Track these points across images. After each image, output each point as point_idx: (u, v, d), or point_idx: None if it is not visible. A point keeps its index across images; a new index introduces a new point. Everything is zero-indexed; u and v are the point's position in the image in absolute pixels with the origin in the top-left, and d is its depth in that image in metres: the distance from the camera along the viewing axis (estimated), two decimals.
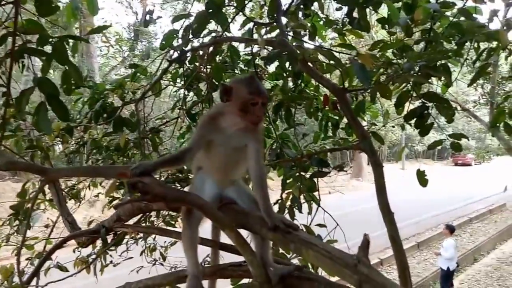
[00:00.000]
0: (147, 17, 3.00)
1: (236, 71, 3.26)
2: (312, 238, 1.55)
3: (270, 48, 2.75)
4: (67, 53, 2.18)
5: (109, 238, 2.77)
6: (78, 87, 3.12)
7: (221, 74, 2.88)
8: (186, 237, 1.80)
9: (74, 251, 3.12)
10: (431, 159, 41.03)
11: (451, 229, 10.87)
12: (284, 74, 3.14)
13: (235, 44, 3.19)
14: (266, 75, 3.27)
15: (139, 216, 2.89)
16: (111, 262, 3.29)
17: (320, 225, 2.73)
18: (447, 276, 10.15)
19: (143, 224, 3.14)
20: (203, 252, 2.05)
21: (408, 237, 14.77)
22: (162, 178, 3.01)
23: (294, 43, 2.77)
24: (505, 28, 2.74)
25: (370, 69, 2.61)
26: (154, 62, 3.66)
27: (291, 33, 2.76)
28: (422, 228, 15.80)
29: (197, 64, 2.93)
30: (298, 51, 2.19)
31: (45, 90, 1.82)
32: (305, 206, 3.01)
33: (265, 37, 2.90)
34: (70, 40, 2.20)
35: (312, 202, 3.02)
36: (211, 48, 3.01)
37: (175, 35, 2.91)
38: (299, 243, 1.49)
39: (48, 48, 1.92)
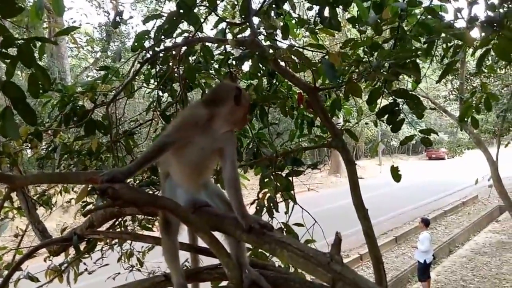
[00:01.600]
0: (117, 18, 2.93)
1: (210, 71, 3.24)
2: (286, 238, 1.56)
3: (244, 48, 2.75)
4: (34, 55, 2.11)
5: (83, 246, 2.70)
6: (46, 90, 3.03)
7: (194, 74, 2.85)
8: (167, 249, 1.79)
9: (45, 260, 3.02)
10: (406, 154, 42.01)
11: (426, 223, 11.16)
12: (259, 74, 3.15)
13: (209, 44, 3.17)
14: (241, 75, 3.26)
15: (112, 221, 2.82)
16: (86, 270, 3.21)
17: (297, 224, 2.74)
18: (424, 269, 10.40)
19: (118, 229, 3.07)
20: (183, 256, 2.02)
21: (386, 231, 15.08)
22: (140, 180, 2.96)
23: (268, 43, 2.78)
24: (469, 25, 2.83)
25: (343, 67, 2.66)
26: (127, 63, 3.59)
27: (264, 33, 2.77)
28: (399, 222, 16.15)
29: (170, 64, 2.88)
30: (270, 51, 2.19)
31: (10, 93, 1.76)
32: (283, 205, 3.02)
33: (239, 36, 2.90)
34: (38, 42, 2.14)
35: (289, 200, 3.03)
36: (184, 49, 2.99)
37: (146, 36, 2.87)
38: (273, 244, 1.50)
39: (13, 51, 1.85)
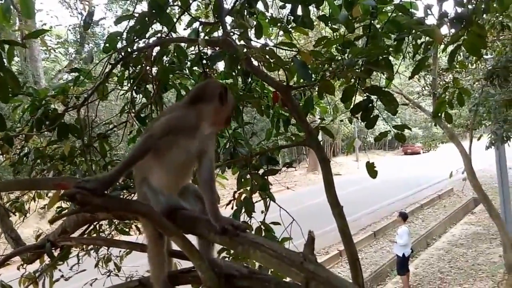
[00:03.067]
0: (87, 19, 2.86)
1: (184, 72, 3.21)
2: (259, 238, 1.57)
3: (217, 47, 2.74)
4: (2, 59, 2.05)
5: (58, 252, 2.63)
6: (16, 94, 2.94)
7: (167, 75, 2.82)
8: (155, 255, 1.74)
9: (18, 269, 2.93)
10: (382, 149, 42.81)
11: (404, 217, 11.39)
12: (233, 73, 3.14)
13: (183, 44, 3.14)
14: (215, 75, 3.25)
15: (86, 227, 2.76)
16: (62, 276, 3.13)
17: (274, 223, 2.75)
18: (403, 263, 10.62)
19: (94, 235, 3.01)
20: None
21: (364, 227, 15.35)
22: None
23: (242, 42, 2.77)
24: (438, 22, 2.90)
25: (316, 66, 2.68)
26: (100, 65, 3.52)
27: (237, 32, 2.76)
28: (377, 217, 16.46)
29: (143, 66, 2.84)
30: (244, 50, 2.19)
31: None
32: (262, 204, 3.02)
33: (214, 35, 2.88)
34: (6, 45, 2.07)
35: (267, 199, 3.04)
36: (157, 49, 2.95)
37: (119, 37, 2.82)
38: (247, 245, 1.50)
39: None
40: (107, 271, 3.41)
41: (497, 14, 5.53)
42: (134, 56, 2.81)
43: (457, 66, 6.24)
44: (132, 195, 2.65)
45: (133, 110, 3.15)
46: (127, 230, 3.24)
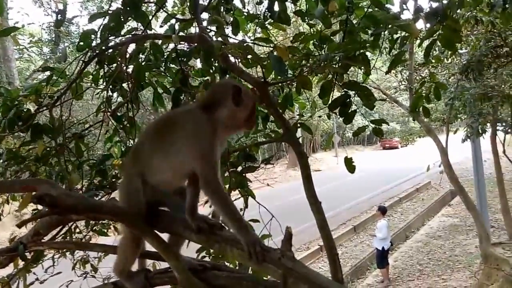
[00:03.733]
0: (59, 17, 2.78)
1: (161, 69, 3.16)
2: (235, 236, 1.53)
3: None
4: None
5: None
6: None
7: (143, 73, 2.76)
8: (128, 251, 1.71)
9: None
10: (361, 145, 43.44)
11: (383, 211, 11.60)
12: (211, 70, 3.11)
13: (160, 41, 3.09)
14: (192, 72, 3.21)
15: (59, 228, 2.68)
16: (36, 279, 3.04)
17: (253, 221, 2.74)
18: (382, 256, 10.82)
19: (71, 237, 2.93)
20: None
21: (345, 221, 15.55)
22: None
23: (219, 39, 2.74)
24: (414, 17, 2.94)
25: (294, 61, 2.68)
26: (74, 64, 3.43)
27: (213, 29, 2.73)
28: (357, 212, 16.71)
29: (118, 63, 2.78)
30: (220, 46, 2.16)
31: None
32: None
33: (192, 32, 2.84)
34: None
35: (247, 196, 3.03)
36: (133, 47, 2.89)
37: (93, 35, 2.75)
38: (223, 243, 1.49)
39: None
40: (83, 273, 3.32)
41: (471, 9, 5.66)
42: (108, 54, 2.75)
43: (433, 61, 6.38)
44: (108, 195, 2.59)
45: (109, 109, 3.08)
46: (105, 231, 3.17)
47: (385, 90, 12.31)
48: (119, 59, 2.65)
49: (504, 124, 10.37)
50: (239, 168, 2.79)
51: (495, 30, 6.83)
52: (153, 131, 1.75)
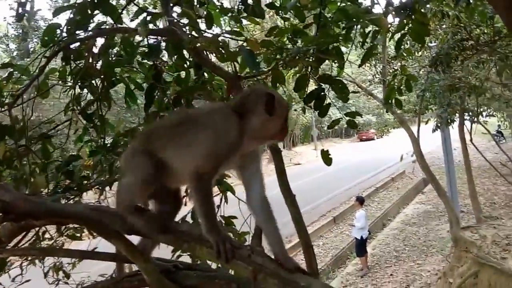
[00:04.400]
0: (19, 10, 2.65)
1: (133, 65, 3.07)
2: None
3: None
4: None
5: None
6: None
7: (112, 68, 2.67)
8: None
9: None
10: (339, 137, 44.06)
11: (360, 201, 11.83)
12: (185, 65, 3.04)
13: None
14: (166, 67, 3.13)
15: (23, 235, 2.56)
16: None
17: (231, 217, 2.72)
18: (361, 245, 11.06)
19: (42, 242, 2.82)
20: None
21: (325, 213, 15.77)
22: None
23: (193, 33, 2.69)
24: (385, 11, 2.98)
25: (268, 55, 2.66)
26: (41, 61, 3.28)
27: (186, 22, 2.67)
28: (336, 203, 16.97)
29: (86, 59, 2.67)
30: (194, 40, 2.11)
31: None
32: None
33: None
34: None
35: (227, 191, 3.00)
36: (102, 42, 2.79)
37: (58, 29, 2.64)
38: (192, 242, 1.46)
39: None
40: (55, 280, 3.19)
41: (438, 3, 5.80)
42: (74, 49, 2.64)
43: (404, 54, 6.52)
44: (76, 198, 2.48)
45: (79, 107, 2.96)
46: (78, 235, 3.05)
47: (360, 83, 12.50)
48: (86, 54, 2.55)
49: (470, 113, 10.74)
50: None
51: (461, 24, 7.04)
52: (176, 122, 1.61)
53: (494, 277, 7.30)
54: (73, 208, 1.45)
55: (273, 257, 1.45)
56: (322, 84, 2.83)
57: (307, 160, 29.71)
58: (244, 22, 3.04)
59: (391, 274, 10.82)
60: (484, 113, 12.48)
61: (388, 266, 11.32)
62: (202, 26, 2.81)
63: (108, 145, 2.73)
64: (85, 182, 2.51)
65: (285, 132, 1.55)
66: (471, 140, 11.38)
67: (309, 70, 2.80)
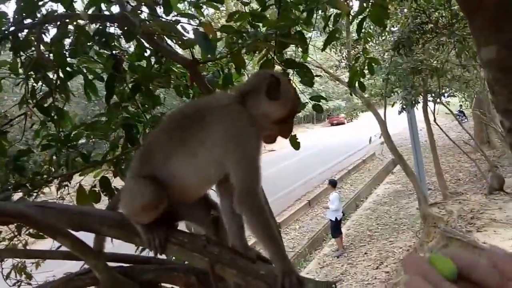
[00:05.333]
0: None
1: (90, 55, 2.96)
2: None
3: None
4: None
5: None
6: None
7: (64, 59, 2.55)
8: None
9: None
10: (311, 123, 44.54)
11: (333, 184, 12.06)
12: (145, 54, 2.96)
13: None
14: (126, 56, 3.04)
15: None
16: None
17: None
18: (336, 226, 11.32)
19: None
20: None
21: (300, 197, 16.01)
22: None
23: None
24: None
25: (230, 41, 2.62)
26: None
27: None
28: (311, 187, 17.24)
29: (37, 49, 2.54)
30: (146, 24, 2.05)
31: None
32: None
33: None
34: None
35: None
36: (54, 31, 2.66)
37: (4, 19, 2.49)
38: (139, 237, 1.39)
39: None
40: (17, 282, 3.06)
41: None
42: (20, 39, 2.50)
43: (369, 39, 6.63)
44: (32, 197, 2.38)
45: (33, 100, 2.83)
46: (41, 234, 2.94)
47: (328, 69, 12.64)
48: (35, 44, 2.42)
49: (433, 94, 11.10)
50: None
51: (420, 8, 7.22)
52: (174, 126, 1.39)
53: (461, 249, 7.66)
54: (12, 206, 1.35)
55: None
56: (286, 69, 2.83)
57: (280, 146, 29.77)
58: (211, 11, 2.99)
59: (365, 253, 11.16)
60: (445, 94, 12.93)
61: (362, 245, 11.66)
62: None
63: (63, 138, 2.61)
64: (38, 177, 2.40)
65: (288, 130, 1.36)
66: (434, 120, 11.78)
67: (273, 55, 2.78)
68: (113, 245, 1.70)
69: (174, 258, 1.68)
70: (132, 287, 1.47)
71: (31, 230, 2.84)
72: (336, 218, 11.22)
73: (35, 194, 2.43)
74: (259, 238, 1.24)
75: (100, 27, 2.30)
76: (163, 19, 2.48)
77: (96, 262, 1.41)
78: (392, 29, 8.91)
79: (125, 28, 2.14)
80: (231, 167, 1.27)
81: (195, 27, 1.98)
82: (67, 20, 2.47)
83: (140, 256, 1.64)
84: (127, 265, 1.57)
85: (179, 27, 2.38)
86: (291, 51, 3.42)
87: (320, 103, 3.10)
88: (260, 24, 2.61)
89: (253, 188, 1.26)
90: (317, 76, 2.95)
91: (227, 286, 1.37)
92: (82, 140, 2.92)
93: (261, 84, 1.29)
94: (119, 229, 1.43)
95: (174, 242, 1.37)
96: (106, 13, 2.71)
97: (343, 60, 11.06)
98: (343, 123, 41.88)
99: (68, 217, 1.45)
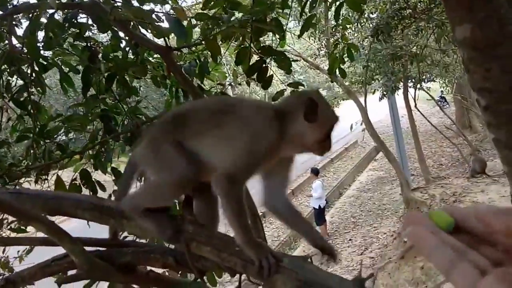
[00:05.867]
0: None
1: (65, 47, 2.91)
2: None
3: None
4: None
5: None
6: None
7: (37, 51, 2.51)
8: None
9: None
10: None
11: (315, 172, 12.19)
12: (121, 44, 2.93)
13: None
14: (102, 48, 3.00)
15: None
16: None
17: None
18: (320, 214, 11.47)
19: None
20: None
21: None
22: None
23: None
24: None
25: (205, 28, 2.61)
26: None
27: None
28: (293, 176, 17.29)
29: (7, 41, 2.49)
30: (120, 12, 2.02)
31: None
32: None
33: None
34: None
35: None
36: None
37: None
38: (119, 217, 1.41)
39: None
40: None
41: None
42: None
43: (347, 25, 6.67)
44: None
45: (9, 95, 2.78)
46: (24, 228, 2.91)
47: (308, 58, 12.68)
48: (7, 37, 2.37)
49: (413, 80, 11.25)
50: None
51: None
52: (214, 108, 1.46)
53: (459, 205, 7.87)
54: None
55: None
56: (263, 56, 2.84)
57: None
58: (189, 2, 2.96)
59: (350, 239, 11.36)
60: (426, 79, 13.13)
61: (346, 232, 11.86)
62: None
63: (38, 129, 2.58)
64: (14, 168, 2.36)
65: (326, 148, 1.39)
66: (415, 106, 11.96)
67: (250, 42, 2.79)
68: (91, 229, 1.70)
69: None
70: (110, 270, 1.48)
71: (12, 225, 2.82)
72: (319, 206, 11.37)
73: (12, 186, 2.39)
74: (231, 224, 1.29)
75: (70, 15, 2.24)
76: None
77: (72, 246, 1.41)
78: (371, 15, 8.98)
79: (96, 16, 2.11)
80: (227, 151, 1.34)
81: (168, 13, 1.96)
82: (38, 11, 2.42)
83: (117, 239, 1.63)
84: (104, 249, 1.58)
85: (154, 16, 2.37)
86: (269, 40, 3.43)
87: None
88: (236, 12, 2.61)
89: (235, 176, 1.29)
90: (293, 61, 2.96)
91: (205, 266, 1.40)
92: (62, 135, 2.89)
93: (298, 105, 1.32)
94: (94, 211, 1.43)
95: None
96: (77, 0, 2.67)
97: (322, 48, 11.10)
98: None
99: (43, 202, 1.45)
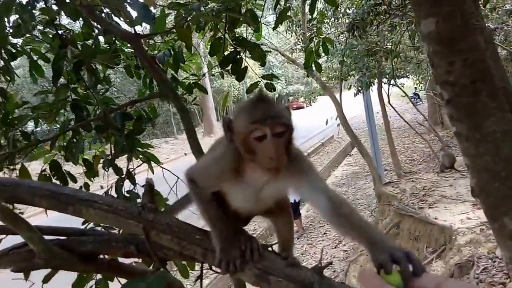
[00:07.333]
0: None
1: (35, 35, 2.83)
2: (92, 195, 1.44)
3: None
4: None
5: None
6: None
7: (5, 39, 2.42)
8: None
9: None
10: None
11: None
12: (93, 33, 2.87)
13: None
14: (72, 35, 2.92)
15: None
16: None
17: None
18: (295, 208, 11.57)
19: None
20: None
21: None
22: None
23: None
24: None
25: (179, 17, 2.59)
26: None
27: None
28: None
29: None
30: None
31: None
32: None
33: None
34: None
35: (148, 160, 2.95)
36: None
37: None
38: (77, 204, 1.38)
39: None
40: None
41: None
42: None
43: (325, 21, 6.73)
44: None
45: None
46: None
47: (285, 52, 12.72)
48: None
49: (387, 76, 11.48)
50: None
51: None
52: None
53: (414, 225, 8.11)
54: None
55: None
56: (237, 48, 2.84)
57: None
58: None
59: (324, 233, 11.55)
60: (399, 76, 13.39)
61: (321, 225, 12.04)
62: None
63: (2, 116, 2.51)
64: None
65: (269, 160, 1.17)
66: (388, 101, 12.21)
67: (224, 33, 2.79)
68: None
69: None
70: (70, 259, 1.46)
71: None
72: (294, 200, 11.45)
73: None
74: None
75: None
76: None
77: (30, 234, 1.38)
78: (348, 11, 9.07)
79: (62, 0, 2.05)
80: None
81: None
82: None
83: (76, 228, 1.60)
84: (64, 238, 1.56)
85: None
86: (244, 32, 3.43)
87: (273, 82, 3.16)
88: (209, 1, 2.60)
89: (190, 173, 1.37)
90: (267, 52, 2.98)
91: (168, 254, 1.40)
92: (32, 125, 2.82)
93: (225, 129, 1.27)
94: (51, 199, 1.40)
95: (107, 210, 1.37)
96: None
97: (298, 42, 11.14)
98: (302, 107, 42.47)
99: (0, 189, 1.40)
